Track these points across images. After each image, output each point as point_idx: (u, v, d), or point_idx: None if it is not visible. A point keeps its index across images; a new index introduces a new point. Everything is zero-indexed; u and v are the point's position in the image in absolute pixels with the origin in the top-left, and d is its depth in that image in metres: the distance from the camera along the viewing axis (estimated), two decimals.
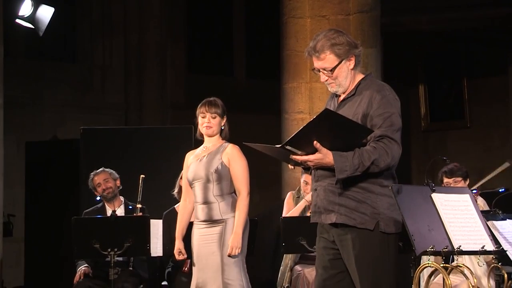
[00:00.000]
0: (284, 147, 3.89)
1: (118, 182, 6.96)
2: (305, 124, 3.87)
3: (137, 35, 11.93)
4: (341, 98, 4.09)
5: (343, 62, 4.02)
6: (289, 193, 7.16)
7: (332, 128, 3.84)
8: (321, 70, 4.04)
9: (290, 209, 6.94)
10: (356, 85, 4.05)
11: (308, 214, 6.75)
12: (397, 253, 4.05)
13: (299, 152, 3.89)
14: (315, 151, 3.85)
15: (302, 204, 6.88)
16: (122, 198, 6.99)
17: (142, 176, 6.79)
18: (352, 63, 4.03)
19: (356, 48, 4.04)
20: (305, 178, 6.73)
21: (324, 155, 3.84)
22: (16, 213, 10.26)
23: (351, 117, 3.93)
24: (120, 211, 6.86)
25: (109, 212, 6.76)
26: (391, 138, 3.90)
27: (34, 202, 10.25)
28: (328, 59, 4.01)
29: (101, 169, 7.00)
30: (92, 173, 7.02)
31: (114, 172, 7.00)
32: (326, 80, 4.06)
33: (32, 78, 11.19)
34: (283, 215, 6.94)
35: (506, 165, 6.60)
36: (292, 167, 4.24)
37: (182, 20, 12.66)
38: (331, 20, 8.21)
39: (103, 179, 6.91)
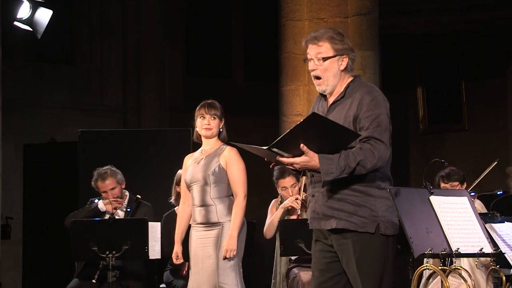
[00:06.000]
0: (270, 149, 3.89)
1: (123, 184, 6.72)
2: (292, 127, 3.88)
3: (135, 37, 11.93)
4: (331, 101, 4.09)
5: (336, 58, 4.03)
6: (273, 201, 7.10)
7: (319, 131, 3.84)
8: (313, 58, 4.06)
9: (272, 216, 6.90)
10: (345, 87, 4.06)
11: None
12: (396, 255, 4.05)
13: (286, 155, 3.89)
14: (301, 153, 3.85)
15: (279, 211, 6.82)
16: (127, 193, 6.79)
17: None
18: (344, 64, 4.05)
19: (352, 52, 4.07)
20: (284, 183, 6.76)
21: (310, 158, 3.84)
22: (14, 215, 10.25)
23: (342, 120, 3.94)
24: (122, 210, 6.75)
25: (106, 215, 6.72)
26: (378, 139, 3.89)
27: (32, 205, 10.26)
28: (324, 47, 4.03)
29: (106, 169, 6.69)
30: (96, 173, 6.72)
31: (119, 172, 6.70)
32: (314, 70, 4.06)
33: (30, 81, 11.18)
34: (266, 223, 6.89)
35: (494, 163, 6.63)
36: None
37: (180, 22, 12.66)
38: (329, 22, 8.21)
39: (110, 188, 6.63)
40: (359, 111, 3.94)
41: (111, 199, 6.64)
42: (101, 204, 6.67)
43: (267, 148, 3.90)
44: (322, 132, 3.85)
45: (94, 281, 6.37)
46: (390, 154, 3.99)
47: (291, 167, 3.98)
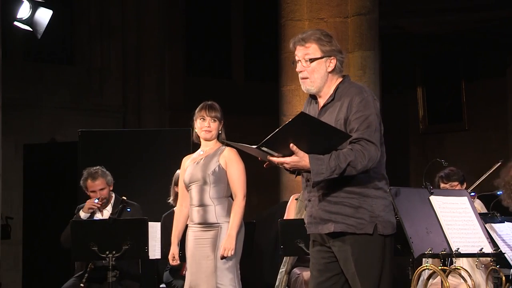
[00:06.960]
0: (260, 148, 3.89)
1: (111, 186, 6.75)
2: (280, 126, 3.87)
3: (135, 37, 11.93)
4: (321, 104, 4.08)
5: (324, 59, 4.02)
6: (291, 197, 7.07)
7: (309, 131, 3.83)
8: (300, 59, 4.05)
9: (290, 215, 6.89)
10: (335, 89, 4.04)
11: None
12: (393, 254, 4.05)
13: (276, 154, 3.89)
14: (292, 153, 3.84)
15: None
16: (113, 195, 6.80)
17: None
18: (331, 66, 4.03)
19: (340, 53, 4.06)
20: None
21: (300, 158, 3.83)
22: (14, 215, 10.26)
23: (333, 123, 3.92)
24: (107, 211, 6.74)
25: (97, 215, 6.72)
26: (368, 140, 3.88)
27: (32, 205, 10.26)
28: (312, 48, 4.03)
29: (97, 169, 6.71)
30: (86, 173, 6.72)
31: (109, 174, 6.74)
32: (302, 72, 4.05)
33: (30, 81, 11.19)
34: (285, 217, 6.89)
35: (497, 164, 6.61)
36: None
37: (180, 22, 12.67)
38: (329, 22, 8.21)
39: (99, 188, 6.64)
40: (349, 113, 3.93)
41: (97, 197, 6.62)
42: (82, 214, 6.68)
43: (256, 147, 3.90)
44: (312, 132, 3.84)
45: (82, 285, 6.37)
46: (383, 154, 3.99)
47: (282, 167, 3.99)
